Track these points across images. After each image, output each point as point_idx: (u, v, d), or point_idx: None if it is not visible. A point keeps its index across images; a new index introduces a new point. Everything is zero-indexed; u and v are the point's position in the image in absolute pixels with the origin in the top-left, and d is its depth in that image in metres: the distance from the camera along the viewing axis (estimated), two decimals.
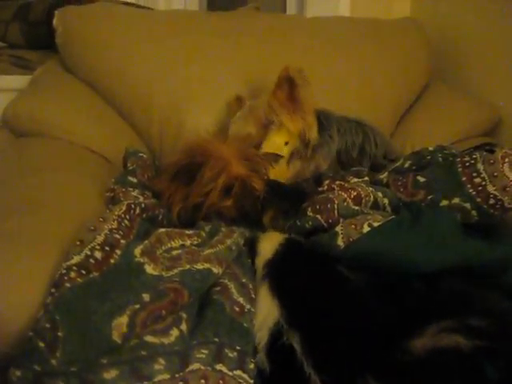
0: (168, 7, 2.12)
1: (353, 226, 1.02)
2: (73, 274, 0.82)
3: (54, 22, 1.64)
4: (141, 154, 1.32)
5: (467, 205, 1.11)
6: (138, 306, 0.79)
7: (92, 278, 0.83)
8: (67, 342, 0.74)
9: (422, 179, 1.18)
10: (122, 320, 0.77)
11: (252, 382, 0.79)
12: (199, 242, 1.00)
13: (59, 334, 0.74)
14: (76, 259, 0.85)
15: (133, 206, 1.06)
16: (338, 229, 1.03)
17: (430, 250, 0.98)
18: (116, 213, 1.00)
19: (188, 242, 0.98)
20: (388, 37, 1.85)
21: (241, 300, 0.90)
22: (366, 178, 1.26)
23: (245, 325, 0.86)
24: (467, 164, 1.15)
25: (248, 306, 0.90)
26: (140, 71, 1.62)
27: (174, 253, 0.92)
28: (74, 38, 1.63)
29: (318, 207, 1.13)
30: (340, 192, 1.15)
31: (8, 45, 1.92)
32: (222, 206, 1.20)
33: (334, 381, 0.78)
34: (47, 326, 0.75)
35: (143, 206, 1.09)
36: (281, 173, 1.40)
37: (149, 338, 0.77)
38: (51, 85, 1.62)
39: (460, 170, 1.15)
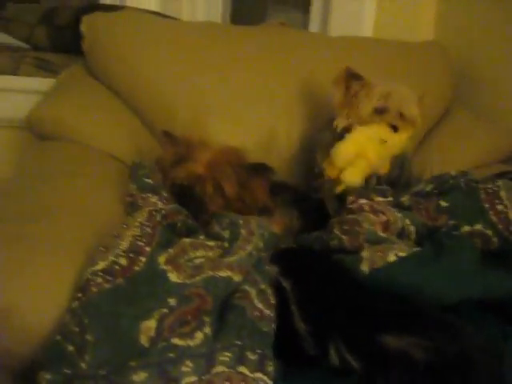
0: (192, 17, 2.13)
1: (379, 254, 1.05)
2: (99, 280, 0.85)
3: (82, 27, 1.66)
4: (144, 163, 1.35)
5: (489, 231, 1.14)
6: (165, 311, 0.83)
7: (118, 283, 0.86)
8: (96, 346, 0.76)
9: (444, 204, 1.22)
10: (150, 324, 0.81)
11: (272, 383, 0.81)
12: (221, 254, 1.02)
13: (88, 337, 0.77)
14: (101, 265, 0.87)
15: (154, 212, 1.09)
16: (364, 254, 1.06)
17: (452, 283, 1.01)
18: (138, 220, 1.03)
19: (210, 254, 1.01)
20: (411, 59, 1.88)
21: (260, 306, 0.93)
22: (391, 199, 1.28)
23: (264, 329, 0.89)
24: (490, 191, 1.18)
25: (267, 312, 0.93)
26: (165, 81, 1.64)
27: (197, 261, 0.95)
28: (100, 44, 1.65)
29: (345, 228, 1.16)
30: (369, 214, 1.18)
31: (32, 47, 1.93)
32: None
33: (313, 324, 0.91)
34: (75, 329, 0.77)
35: (163, 212, 1.11)
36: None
37: (176, 341, 0.81)
38: (76, 89, 1.65)
39: (483, 196, 1.18)
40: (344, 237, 1.14)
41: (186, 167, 1.26)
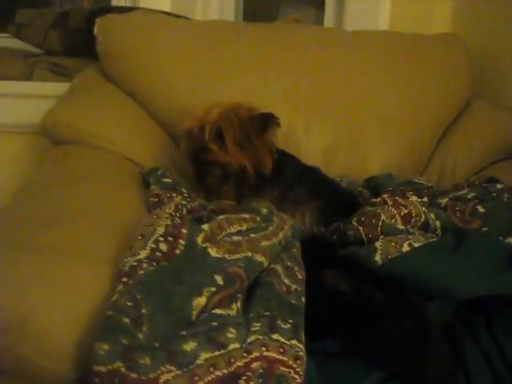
0: (204, 16, 2.12)
1: (393, 244, 1.06)
2: (144, 265, 0.88)
3: (95, 30, 1.69)
4: (157, 167, 1.38)
5: None
6: (214, 289, 0.86)
7: (163, 265, 0.90)
8: (152, 318, 0.79)
9: (481, 210, 1.23)
10: (201, 301, 0.84)
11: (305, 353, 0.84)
12: (254, 227, 1.07)
13: (143, 311, 0.79)
14: (143, 254, 0.91)
15: (180, 206, 1.13)
16: (378, 244, 1.07)
17: (468, 277, 1.00)
18: (167, 211, 1.07)
19: (244, 227, 1.05)
20: (429, 52, 1.87)
21: (287, 281, 0.97)
22: (425, 199, 1.29)
23: (293, 302, 0.93)
24: None
25: (294, 286, 0.96)
26: (180, 80, 1.66)
27: (235, 238, 0.99)
28: (114, 46, 1.68)
29: (362, 219, 1.17)
30: (390, 208, 1.19)
31: (46, 51, 1.94)
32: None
33: None
34: (129, 304, 0.79)
35: (189, 207, 1.16)
36: None
37: (217, 311, 0.85)
38: (90, 93, 1.68)
39: None
40: (360, 228, 1.16)
41: (197, 117, 1.32)
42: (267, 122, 1.33)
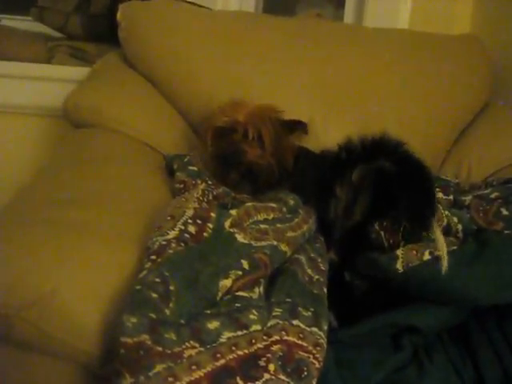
0: (224, 8, 2.10)
1: (414, 252, 1.07)
2: (173, 246, 0.89)
3: (118, 15, 1.70)
4: (181, 154, 1.38)
5: None
6: (240, 273, 0.88)
7: (191, 246, 0.91)
8: (179, 296, 0.81)
9: (504, 212, 1.22)
10: (227, 282, 0.86)
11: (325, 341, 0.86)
12: (280, 217, 1.09)
13: (171, 287, 0.81)
14: (172, 234, 0.92)
15: (206, 192, 1.14)
16: (399, 252, 1.07)
17: (490, 286, 1.01)
18: (195, 195, 1.08)
19: (271, 216, 1.08)
20: (447, 53, 1.86)
21: (309, 271, 1.00)
22: (451, 197, 1.31)
23: (315, 291, 0.95)
24: None
25: (316, 277, 1.00)
26: (201, 70, 1.65)
27: (262, 226, 1.01)
28: (137, 33, 1.68)
29: (384, 224, 1.16)
30: None
31: (66, 36, 1.96)
32: None
33: None
34: (157, 280, 0.81)
35: (215, 193, 1.18)
36: None
37: (240, 293, 0.88)
38: (112, 78, 1.69)
39: None
40: (382, 232, 1.15)
41: (228, 115, 1.32)
42: (295, 127, 1.38)
